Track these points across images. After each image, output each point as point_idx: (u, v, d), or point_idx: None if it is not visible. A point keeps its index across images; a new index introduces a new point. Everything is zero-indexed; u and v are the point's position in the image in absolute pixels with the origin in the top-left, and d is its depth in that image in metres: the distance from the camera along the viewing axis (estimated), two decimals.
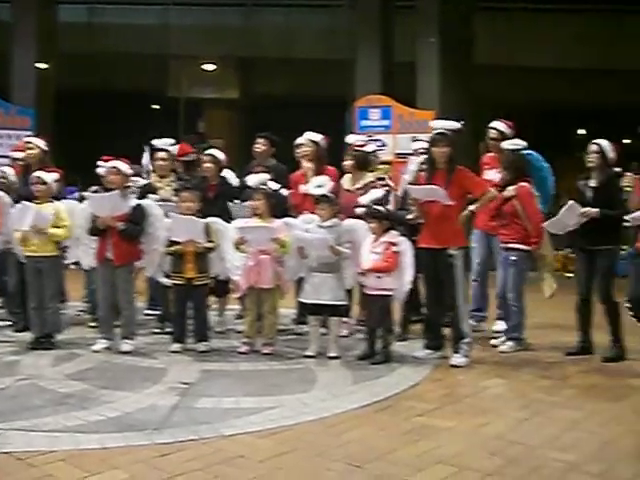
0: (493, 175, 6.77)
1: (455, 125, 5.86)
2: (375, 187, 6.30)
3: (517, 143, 6.41)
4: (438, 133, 5.81)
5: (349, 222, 6.02)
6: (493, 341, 6.45)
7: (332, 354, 5.81)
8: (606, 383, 5.33)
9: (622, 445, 3.99)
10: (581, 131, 25.39)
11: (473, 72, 15.06)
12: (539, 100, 21.09)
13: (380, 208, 5.85)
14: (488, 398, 4.92)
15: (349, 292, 6.26)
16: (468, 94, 14.46)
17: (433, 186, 5.66)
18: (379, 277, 5.65)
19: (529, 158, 6.51)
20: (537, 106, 21.67)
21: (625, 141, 22.93)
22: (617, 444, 4.01)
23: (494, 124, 6.94)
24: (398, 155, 10.40)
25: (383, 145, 9.95)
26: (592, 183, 6.03)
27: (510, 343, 6.24)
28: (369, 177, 6.63)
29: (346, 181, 6.77)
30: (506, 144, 6.46)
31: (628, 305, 6.31)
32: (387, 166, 8.58)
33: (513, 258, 6.18)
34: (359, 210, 6.16)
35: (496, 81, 18.52)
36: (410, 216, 6.07)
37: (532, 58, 19.19)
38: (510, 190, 6.15)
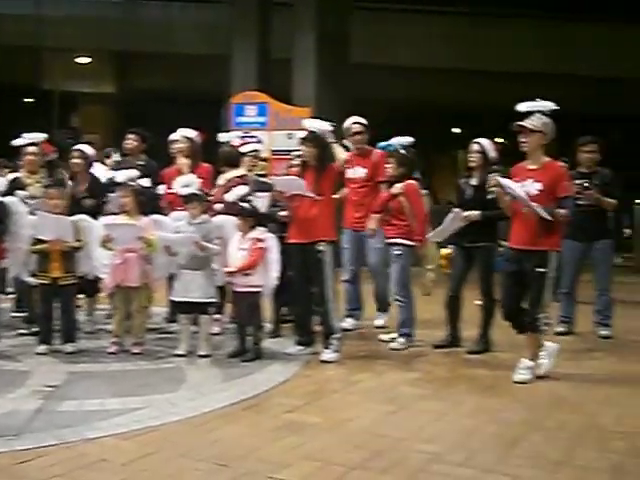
0: (353, 173, 6.90)
1: (326, 126, 5.89)
2: (244, 184, 6.27)
3: (406, 140, 6.50)
4: (308, 133, 5.85)
5: (219, 219, 5.99)
6: (382, 336, 6.55)
7: (202, 352, 5.75)
8: (471, 374, 5.47)
9: (485, 434, 4.11)
10: (456, 130, 26.18)
11: (350, 70, 15.19)
12: (416, 99, 21.56)
13: (245, 205, 5.83)
14: (357, 393, 4.97)
15: (222, 289, 6.22)
16: (345, 92, 14.57)
17: (292, 177, 5.72)
18: (246, 274, 5.63)
19: (389, 150, 6.60)
20: (414, 104, 22.14)
21: (499, 140, 23.73)
22: (480, 433, 4.12)
23: (357, 118, 7.04)
24: (274, 152, 10.40)
25: (259, 142, 9.90)
26: (473, 182, 6.18)
27: (401, 340, 6.31)
28: (233, 174, 6.59)
29: (221, 178, 6.73)
30: (394, 141, 6.54)
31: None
32: (264, 163, 8.55)
33: (397, 253, 6.27)
34: (218, 207, 6.15)
35: (373, 79, 18.79)
36: (283, 213, 6.10)
37: (408, 57, 19.60)
38: (397, 187, 6.23)
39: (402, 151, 6.38)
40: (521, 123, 5.15)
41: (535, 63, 19.35)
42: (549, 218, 5.02)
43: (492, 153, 6.22)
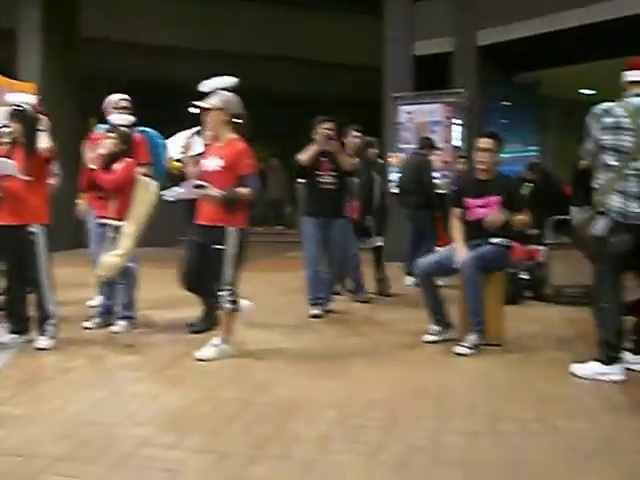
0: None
1: (30, 99, 5.59)
2: None
3: (124, 118, 6.29)
4: (15, 108, 5.52)
5: None
6: (85, 323, 6.29)
7: None
8: (190, 354, 5.36)
9: (198, 413, 4.10)
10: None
11: (82, 46, 14.56)
12: (156, 78, 21.14)
13: None
14: (70, 380, 4.76)
15: None
16: (75, 68, 13.96)
17: (1, 159, 5.39)
18: None
19: (146, 135, 6.46)
20: (156, 84, 21.69)
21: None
22: (193, 413, 4.11)
23: (123, 95, 6.76)
24: None
25: None
26: None
27: (123, 323, 6.12)
28: None
29: None
30: (114, 118, 6.31)
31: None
32: None
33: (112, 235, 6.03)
34: None
35: (110, 56, 18.17)
36: None
37: (148, 35, 19.13)
38: (117, 166, 5.99)
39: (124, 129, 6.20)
40: (197, 103, 5.22)
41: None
42: (228, 200, 5.15)
43: None
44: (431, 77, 13.63)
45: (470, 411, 4.18)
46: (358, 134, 8.01)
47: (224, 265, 5.20)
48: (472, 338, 5.57)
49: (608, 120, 4.76)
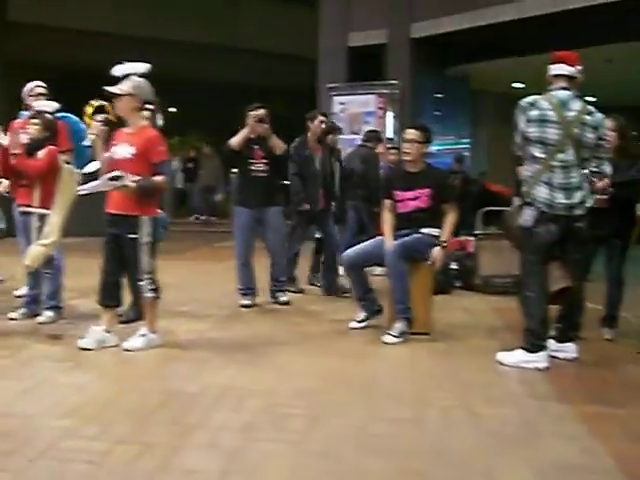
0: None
1: None
2: None
3: (48, 105, 6.17)
4: None
5: None
6: (11, 314, 6.13)
7: None
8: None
9: (123, 404, 4.06)
10: None
11: (7, 30, 14.23)
12: (84, 63, 20.74)
13: None
14: None
15: None
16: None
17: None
18: None
19: (67, 121, 6.32)
20: (80, 69, 21.29)
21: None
22: (118, 404, 4.06)
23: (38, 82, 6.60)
24: None
25: None
26: None
27: (49, 313, 6.00)
28: None
29: None
30: (37, 104, 6.17)
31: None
32: None
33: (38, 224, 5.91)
34: None
35: (36, 41, 17.77)
36: None
37: (75, 20, 18.75)
38: (41, 153, 5.86)
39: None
40: (108, 88, 5.15)
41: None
42: (142, 189, 5.08)
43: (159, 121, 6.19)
44: (365, 68, 13.70)
45: (395, 399, 4.23)
46: (324, 119, 7.97)
47: (139, 254, 5.15)
48: (398, 326, 5.62)
49: (534, 113, 4.85)
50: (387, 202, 6.01)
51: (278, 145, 6.99)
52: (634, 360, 5.29)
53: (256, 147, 6.96)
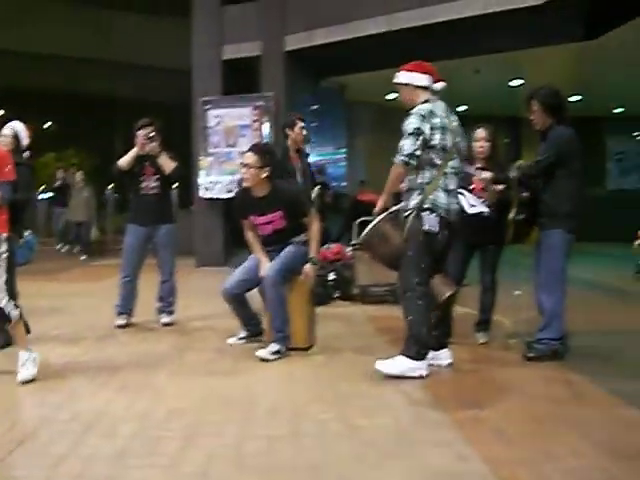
0: None
1: None
2: None
3: None
4: None
5: None
6: None
7: None
8: None
9: None
10: None
11: None
12: None
13: None
14: None
15: None
16: None
17: None
18: None
19: None
20: None
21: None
22: None
23: None
24: None
25: None
26: None
27: None
28: None
29: None
30: None
31: None
32: None
33: None
34: None
35: None
36: None
37: None
38: None
39: None
40: None
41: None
42: None
43: (25, 140, 6.06)
44: (240, 81, 13.67)
45: (272, 415, 4.20)
46: (303, 124, 7.59)
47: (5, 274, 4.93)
48: (274, 344, 5.59)
49: (436, 120, 4.93)
50: (245, 222, 5.94)
51: (167, 164, 6.84)
52: (506, 363, 5.44)
53: (146, 164, 6.83)
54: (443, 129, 4.93)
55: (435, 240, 4.97)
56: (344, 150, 16.76)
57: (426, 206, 4.93)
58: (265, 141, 11.60)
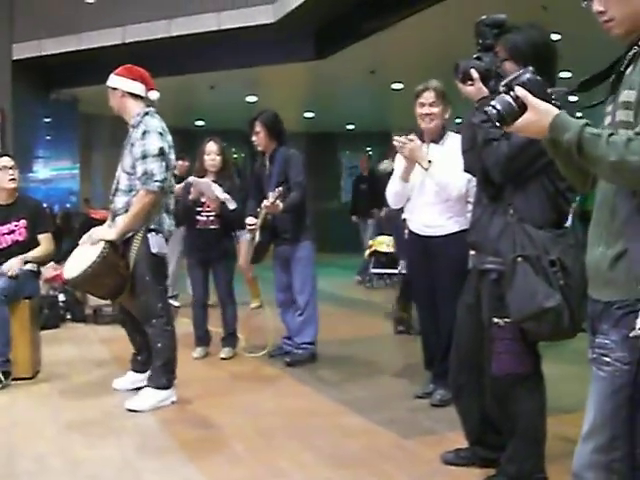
0: None
1: None
2: None
3: None
4: None
5: None
6: None
7: None
8: None
9: None
10: None
11: None
12: None
13: None
14: None
15: None
16: None
17: None
18: None
19: None
20: None
21: None
22: None
23: None
24: None
25: None
26: None
27: None
28: None
29: None
30: None
31: None
32: None
33: None
34: None
35: None
36: None
37: None
38: None
39: None
40: None
41: None
42: None
43: None
44: None
45: None
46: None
47: None
48: None
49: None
50: None
51: None
52: (240, 377, 5.46)
53: None
54: (170, 147, 4.76)
55: (164, 262, 4.85)
56: (76, 165, 16.02)
57: (152, 227, 4.70)
58: None
